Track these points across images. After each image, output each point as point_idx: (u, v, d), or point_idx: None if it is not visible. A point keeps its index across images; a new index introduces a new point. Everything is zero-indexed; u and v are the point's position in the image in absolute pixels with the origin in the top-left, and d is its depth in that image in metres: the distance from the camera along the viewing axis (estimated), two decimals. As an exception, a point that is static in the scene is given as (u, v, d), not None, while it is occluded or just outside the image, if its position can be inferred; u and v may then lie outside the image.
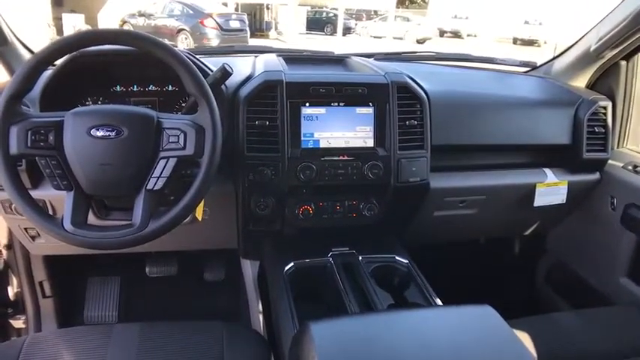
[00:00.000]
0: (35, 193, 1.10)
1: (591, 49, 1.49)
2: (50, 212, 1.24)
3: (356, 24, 21.75)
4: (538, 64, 1.80)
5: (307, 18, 19.72)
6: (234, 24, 11.95)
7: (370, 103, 1.26)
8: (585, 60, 1.56)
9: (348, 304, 1.09)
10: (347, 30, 20.01)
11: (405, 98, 1.27)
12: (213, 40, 11.19)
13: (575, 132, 1.48)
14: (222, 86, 1.20)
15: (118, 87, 1.26)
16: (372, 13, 23.37)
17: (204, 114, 0.96)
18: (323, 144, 1.24)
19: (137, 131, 0.93)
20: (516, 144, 1.47)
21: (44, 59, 0.93)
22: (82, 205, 0.95)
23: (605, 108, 1.50)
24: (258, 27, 18.24)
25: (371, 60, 1.57)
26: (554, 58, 1.72)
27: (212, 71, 1.15)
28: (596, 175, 1.55)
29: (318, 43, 15.50)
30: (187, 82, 0.96)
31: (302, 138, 1.23)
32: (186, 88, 0.97)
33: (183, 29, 11.58)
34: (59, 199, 1.11)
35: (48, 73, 1.12)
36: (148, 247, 1.06)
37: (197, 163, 0.96)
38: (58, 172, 0.92)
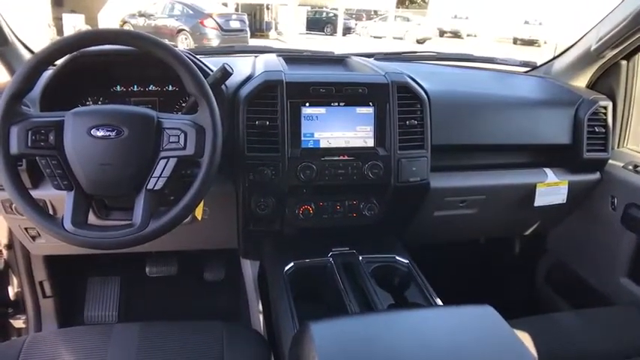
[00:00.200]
0: (35, 193, 1.10)
1: (592, 48, 1.49)
2: (50, 212, 1.24)
3: (356, 24, 21.75)
4: (538, 64, 1.80)
5: (307, 18, 19.72)
6: (235, 24, 11.95)
7: (370, 103, 1.26)
8: (586, 60, 1.56)
9: (349, 304, 1.09)
10: (347, 30, 20.02)
11: (406, 98, 1.27)
12: (214, 40, 11.19)
13: (575, 132, 1.48)
14: (223, 86, 1.20)
15: (119, 87, 1.26)
16: (372, 13, 23.37)
17: (204, 114, 0.96)
18: (323, 144, 1.24)
19: (137, 131, 0.93)
20: (517, 144, 1.47)
21: (44, 59, 0.93)
22: (82, 204, 0.95)
23: (605, 108, 1.49)
24: (258, 27, 18.24)
25: (371, 60, 1.57)
26: (555, 58, 1.72)
27: (212, 71, 1.15)
28: (597, 175, 1.55)
29: (318, 43, 15.50)
30: (187, 82, 0.96)
31: (302, 138, 1.23)
32: (187, 88, 0.97)
33: (184, 29, 11.58)
34: (59, 199, 1.11)
35: (48, 73, 1.12)
36: (148, 247, 1.06)
37: (197, 163, 0.96)
38: (58, 171, 0.92)
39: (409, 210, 1.42)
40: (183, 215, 0.97)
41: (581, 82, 1.61)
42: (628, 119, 1.58)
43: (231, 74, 1.12)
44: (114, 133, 0.92)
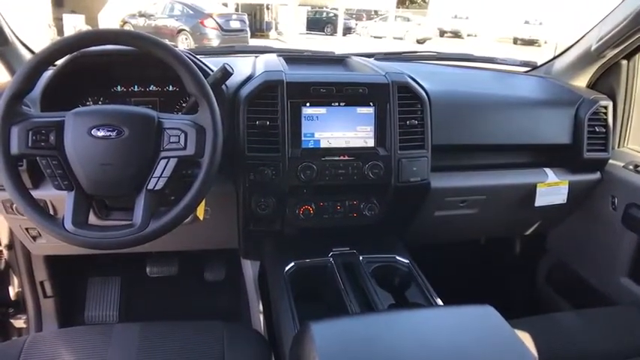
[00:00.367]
0: (36, 193, 1.10)
1: (592, 48, 1.49)
2: (51, 212, 1.24)
3: (356, 24, 21.75)
4: (538, 64, 1.80)
5: (307, 18, 19.73)
6: (235, 24, 11.96)
7: (371, 103, 1.26)
8: (586, 59, 1.56)
9: (349, 304, 1.09)
10: (347, 30, 20.03)
11: (406, 98, 1.27)
12: (214, 40, 11.19)
13: (575, 132, 1.48)
14: (223, 86, 1.20)
15: (119, 87, 1.26)
16: (373, 13, 23.37)
17: (204, 114, 0.96)
18: (323, 144, 1.24)
19: (138, 131, 0.93)
20: (517, 144, 1.47)
21: (45, 59, 0.93)
22: (82, 205, 0.95)
23: (605, 107, 1.49)
24: (259, 27, 18.24)
25: (371, 60, 1.57)
26: (555, 58, 1.72)
27: (212, 71, 1.15)
28: (597, 175, 1.55)
29: (319, 43, 15.50)
30: (188, 82, 0.96)
31: (302, 138, 1.23)
32: (187, 89, 0.97)
33: (184, 29, 11.59)
34: (60, 199, 1.11)
35: (48, 73, 1.12)
36: (149, 247, 1.06)
37: (198, 163, 0.96)
38: (58, 172, 0.92)
39: (410, 210, 1.42)
40: (184, 215, 0.97)
41: (581, 81, 1.61)
42: (628, 119, 1.58)
43: (231, 74, 1.12)
44: (114, 133, 0.92)
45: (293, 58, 1.51)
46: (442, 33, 21.10)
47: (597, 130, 1.48)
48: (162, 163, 0.95)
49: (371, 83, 1.26)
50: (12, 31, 1.29)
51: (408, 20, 20.23)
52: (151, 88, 1.28)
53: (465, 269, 1.95)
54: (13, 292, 1.65)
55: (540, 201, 1.49)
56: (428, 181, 1.32)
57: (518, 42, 18.85)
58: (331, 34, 19.44)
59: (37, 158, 0.92)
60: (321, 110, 1.24)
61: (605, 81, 1.57)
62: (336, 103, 1.24)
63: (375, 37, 19.30)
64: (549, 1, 16.75)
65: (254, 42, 13.18)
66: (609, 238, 1.55)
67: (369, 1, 21.91)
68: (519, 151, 1.53)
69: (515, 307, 1.24)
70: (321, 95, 1.23)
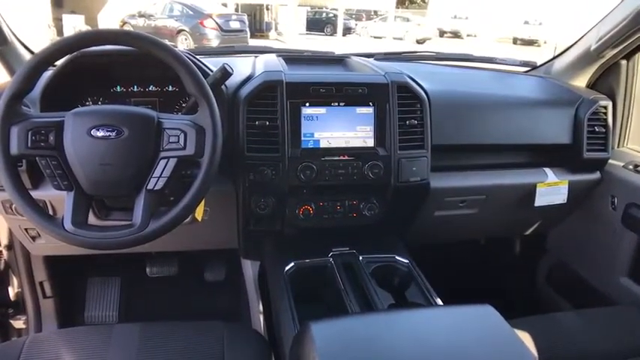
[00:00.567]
0: (35, 194, 1.10)
1: (591, 48, 1.49)
2: (50, 212, 1.24)
3: (356, 24, 21.76)
4: (538, 64, 1.80)
5: (307, 18, 19.73)
6: (234, 24, 11.96)
7: (370, 103, 1.26)
8: (585, 59, 1.56)
9: (349, 304, 1.09)
10: (347, 30, 20.04)
11: (405, 98, 1.27)
12: (213, 40, 11.20)
13: (575, 131, 1.48)
14: (223, 86, 1.20)
15: (119, 87, 1.26)
16: (372, 13, 23.38)
17: (204, 114, 0.96)
18: (323, 144, 1.24)
19: (137, 131, 0.93)
20: (517, 144, 1.47)
21: (45, 59, 0.93)
22: (82, 205, 0.95)
23: (605, 107, 1.49)
24: (258, 27, 18.25)
25: (371, 60, 1.57)
26: (555, 58, 1.72)
27: (212, 71, 1.15)
28: (597, 175, 1.55)
29: (318, 43, 15.50)
30: (187, 83, 0.96)
31: (302, 138, 1.23)
32: (187, 89, 0.97)
33: (183, 30, 11.59)
34: (59, 200, 1.11)
35: (48, 73, 1.12)
36: (149, 247, 1.06)
37: (197, 164, 0.96)
38: (58, 172, 0.92)
39: (409, 210, 1.42)
40: (184, 215, 0.97)
41: (581, 81, 1.61)
42: (628, 119, 1.58)
43: (231, 74, 1.12)
44: (114, 133, 0.92)
45: (293, 58, 1.51)
46: (442, 33, 21.11)
47: (597, 130, 1.48)
48: (162, 163, 0.94)
49: (370, 83, 1.26)
50: (11, 31, 1.29)
51: (408, 20, 20.24)
52: (150, 89, 1.28)
53: (465, 269, 1.95)
54: (12, 292, 1.65)
55: (540, 201, 1.49)
56: (427, 181, 1.32)
57: (518, 42, 18.87)
58: (331, 35, 19.44)
59: (37, 158, 0.92)
60: (321, 110, 1.24)
61: (605, 81, 1.57)
62: (336, 103, 1.24)
63: (374, 37, 19.31)
64: (549, 1, 16.76)
65: (254, 42, 13.18)
66: (609, 238, 1.55)
67: (369, 1, 21.91)
68: (519, 151, 1.53)
69: (515, 307, 1.24)
70: (321, 95, 1.23)
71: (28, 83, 0.92)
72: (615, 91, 1.54)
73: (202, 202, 1.14)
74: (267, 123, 1.20)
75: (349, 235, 1.32)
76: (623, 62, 1.52)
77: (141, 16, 12.43)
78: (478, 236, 1.92)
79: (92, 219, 1.00)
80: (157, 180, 0.94)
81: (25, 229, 1.34)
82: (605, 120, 1.50)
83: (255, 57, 1.50)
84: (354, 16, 23.42)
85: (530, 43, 18.28)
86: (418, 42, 18.14)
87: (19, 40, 1.33)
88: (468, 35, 20.89)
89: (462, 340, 0.87)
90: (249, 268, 1.55)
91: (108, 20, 13.16)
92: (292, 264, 1.21)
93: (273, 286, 1.19)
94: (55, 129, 0.92)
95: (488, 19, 19.16)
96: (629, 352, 1.18)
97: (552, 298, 1.84)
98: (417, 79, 1.34)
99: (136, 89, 1.27)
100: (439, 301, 1.12)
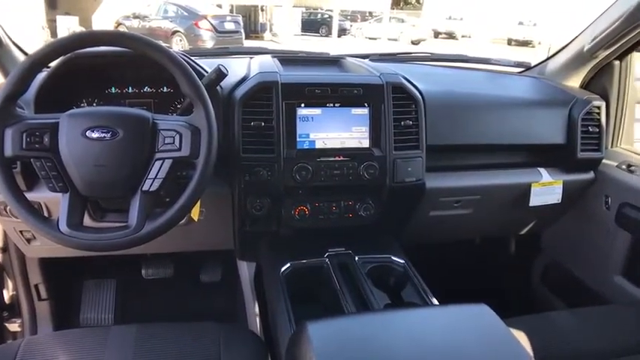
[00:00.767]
0: (30, 196, 1.09)
1: (585, 49, 1.50)
2: (45, 214, 1.23)
3: (351, 25, 21.78)
4: (532, 65, 1.81)
5: (302, 19, 19.75)
6: (229, 26, 11.94)
7: (365, 104, 1.26)
8: (579, 60, 1.57)
9: (345, 304, 1.09)
10: (342, 31, 20.06)
11: (400, 99, 1.28)
12: (208, 41, 11.18)
13: (569, 132, 1.48)
14: (218, 87, 1.20)
15: (113, 89, 1.26)
16: (367, 14, 23.40)
17: (199, 115, 0.96)
18: (319, 145, 1.24)
19: (132, 133, 0.93)
20: (511, 144, 1.48)
21: (39, 61, 0.93)
22: (77, 206, 0.95)
23: (599, 108, 1.50)
24: (253, 29, 18.24)
25: (366, 61, 1.58)
26: (549, 59, 1.73)
27: (207, 72, 1.15)
28: (591, 175, 1.56)
29: (313, 44, 15.50)
30: (183, 84, 0.96)
31: (298, 139, 1.23)
32: (182, 90, 0.97)
33: (178, 31, 11.57)
34: (54, 201, 1.11)
35: (43, 74, 1.12)
36: (144, 248, 1.05)
37: (193, 165, 0.96)
38: (53, 173, 0.92)
39: (405, 210, 1.42)
40: (179, 217, 0.97)
41: (574, 82, 1.62)
42: (621, 119, 1.59)
43: (226, 75, 1.12)
44: (109, 134, 0.92)
45: (288, 59, 1.51)
46: (436, 34, 21.18)
47: (590, 130, 1.49)
48: (157, 164, 0.94)
49: (366, 84, 1.27)
50: (5, 32, 1.28)
51: (403, 21, 20.29)
52: (145, 90, 1.28)
53: (460, 269, 1.96)
54: (7, 295, 1.64)
55: (535, 201, 1.49)
56: (423, 182, 1.32)
57: (513, 43, 18.96)
58: (326, 36, 19.45)
59: (32, 160, 0.91)
60: (316, 111, 1.24)
61: (598, 81, 1.58)
62: (331, 104, 1.25)
63: (369, 38, 19.35)
64: (543, 2, 16.85)
65: (248, 43, 13.18)
66: (603, 238, 1.56)
67: (364, 2, 21.94)
68: (513, 151, 1.53)
69: (511, 307, 1.24)
70: (316, 96, 1.23)
71: (22, 85, 0.92)
72: (608, 91, 1.55)
73: (198, 203, 1.14)
74: (263, 124, 1.20)
75: (345, 236, 1.32)
76: (616, 63, 1.53)
77: (135, 17, 12.40)
78: (473, 236, 1.92)
79: (87, 221, 1.00)
80: (153, 181, 0.94)
81: (20, 232, 1.34)
82: (599, 120, 1.51)
83: (250, 58, 1.50)
84: (349, 17, 23.45)
85: (525, 43, 18.38)
86: (413, 43, 18.19)
87: (13, 42, 1.33)
88: (462, 36, 20.96)
89: (458, 339, 0.87)
90: (245, 269, 1.55)
91: (102, 22, 13.13)
92: (288, 264, 1.21)
93: (269, 287, 1.19)
94: (49, 130, 0.92)
95: (483, 20, 19.22)
96: (623, 350, 1.18)
97: (547, 297, 1.84)
98: (412, 80, 1.34)
99: (130, 90, 1.27)
100: (435, 301, 1.12)
